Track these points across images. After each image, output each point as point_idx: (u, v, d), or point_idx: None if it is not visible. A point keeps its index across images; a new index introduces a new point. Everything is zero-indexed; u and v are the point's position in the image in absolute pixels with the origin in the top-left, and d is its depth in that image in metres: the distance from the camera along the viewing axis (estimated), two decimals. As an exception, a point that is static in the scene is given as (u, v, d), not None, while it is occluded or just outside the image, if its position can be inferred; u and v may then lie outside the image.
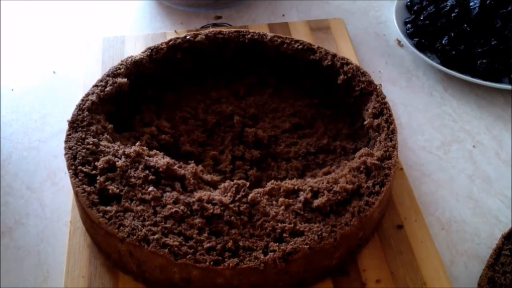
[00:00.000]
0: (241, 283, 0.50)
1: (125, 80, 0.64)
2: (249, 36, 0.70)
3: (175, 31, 0.84)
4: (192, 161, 0.59)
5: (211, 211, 0.52)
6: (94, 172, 0.55)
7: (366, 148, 0.59)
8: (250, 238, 0.51)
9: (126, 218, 0.51)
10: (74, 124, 0.59)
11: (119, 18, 0.91)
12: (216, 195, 0.53)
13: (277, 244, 0.50)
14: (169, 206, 0.52)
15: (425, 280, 0.54)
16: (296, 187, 0.55)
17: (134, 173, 0.55)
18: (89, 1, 0.94)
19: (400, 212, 0.60)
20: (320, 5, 0.93)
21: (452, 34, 0.78)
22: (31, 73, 0.81)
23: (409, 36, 0.82)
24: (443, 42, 0.78)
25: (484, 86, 0.75)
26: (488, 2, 0.78)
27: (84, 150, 0.56)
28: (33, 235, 0.60)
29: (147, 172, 0.55)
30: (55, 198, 0.64)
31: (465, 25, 0.78)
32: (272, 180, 0.56)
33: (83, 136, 0.58)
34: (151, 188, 0.53)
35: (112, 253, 0.54)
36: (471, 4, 0.79)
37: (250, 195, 0.53)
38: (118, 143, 0.59)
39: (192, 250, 0.49)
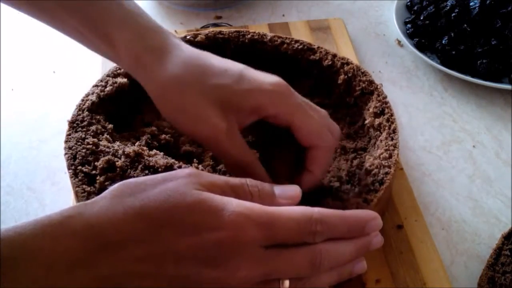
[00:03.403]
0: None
1: (125, 80, 0.64)
2: (249, 36, 0.70)
3: (175, 31, 0.84)
4: (192, 161, 0.59)
5: (211, 211, 0.51)
6: (94, 172, 0.55)
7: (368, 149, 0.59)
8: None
9: (126, 218, 0.51)
10: (74, 124, 0.59)
11: (119, 18, 0.91)
12: (216, 195, 0.53)
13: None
14: (169, 206, 0.52)
15: (425, 280, 0.54)
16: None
17: (134, 173, 0.55)
18: (89, 1, 0.94)
19: (400, 212, 0.60)
20: (320, 5, 0.93)
21: (452, 34, 0.78)
22: (31, 73, 0.81)
23: (409, 36, 0.82)
24: (443, 42, 0.78)
25: (484, 86, 0.75)
26: (488, 2, 0.78)
27: (84, 150, 0.56)
28: (33, 235, 0.60)
29: (146, 172, 0.55)
30: (55, 198, 0.64)
31: (465, 25, 0.78)
32: (272, 180, 0.56)
33: (83, 136, 0.58)
34: (151, 188, 0.53)
35: (112, 253, 0.54)
36: (471, 4, 0.79)
37: (250, 195, 0.53)
38: (118, 143, 0.59)
39: (192, 250, 0.49)
